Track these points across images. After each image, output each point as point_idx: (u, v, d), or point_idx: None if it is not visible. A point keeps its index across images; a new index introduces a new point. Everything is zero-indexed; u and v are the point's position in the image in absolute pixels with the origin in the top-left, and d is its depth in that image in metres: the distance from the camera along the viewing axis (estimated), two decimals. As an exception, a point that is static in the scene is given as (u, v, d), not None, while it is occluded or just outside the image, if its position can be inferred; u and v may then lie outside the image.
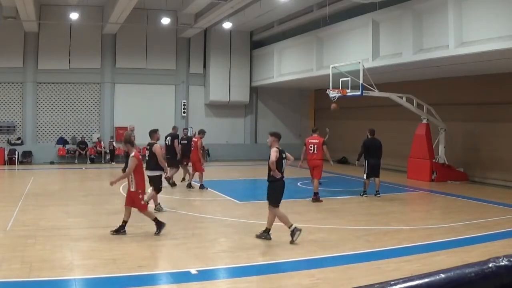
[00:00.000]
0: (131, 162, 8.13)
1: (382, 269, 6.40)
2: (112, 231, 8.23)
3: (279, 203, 7.97)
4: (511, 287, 1.54)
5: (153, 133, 10.64)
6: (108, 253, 7.03)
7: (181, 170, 14.96)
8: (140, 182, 8.22)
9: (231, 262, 6.97)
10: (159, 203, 10.49)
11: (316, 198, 12.02)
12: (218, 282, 6.11)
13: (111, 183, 8.50)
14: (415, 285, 1.48)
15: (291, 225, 7.84)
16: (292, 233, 7.74)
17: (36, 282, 5.78)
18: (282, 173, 7.91)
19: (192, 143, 14.27)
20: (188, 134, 15.78)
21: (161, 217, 8.72)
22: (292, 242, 7.71)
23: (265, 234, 8.02)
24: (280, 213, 7.96)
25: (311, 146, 12.27)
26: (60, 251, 7.15)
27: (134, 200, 8.23)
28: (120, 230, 8.19)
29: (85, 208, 10.88)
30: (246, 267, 6.61)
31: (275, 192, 7.93)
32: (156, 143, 10.35)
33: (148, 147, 10.51)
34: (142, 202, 8.31)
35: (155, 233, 8.21)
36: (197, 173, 14.04)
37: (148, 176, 10.12)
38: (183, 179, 15.17)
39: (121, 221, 8.27)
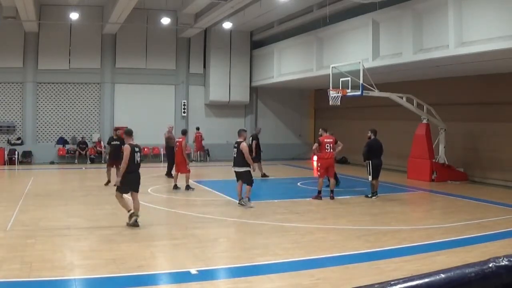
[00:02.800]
0: None
1: (382, 269, 6.39)
2: None
3: (125, 192, 8.92)
4: (511, 287, 1.54)
5: (242, 132, 11.45)
6: (108, 253, 7.03)
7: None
8: None
9: (231, 262, 6.97)
10: (248, 197, 11.08)
11: (332, 196, 12.31)
12: (218, 282, 6.10)
13: None
14: (415, 285, 1.48)
15: (131, 210, 8.74)
16: (131, 216, 8.68)
17: (36, 282, 5.78)
18: (136, 166, 8.92)
19: (177, 143, 14.10)
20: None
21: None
22: (128, 223, 8.68)
23: (134, 220, 8.67)
24: (122, 201, 8.89)
25: (327, 146, 12.38)
26: (60, 251, 7.15)
27: None
28: None
29: (85, 208, 10.87)
30: (246, 267, 6.59)
31: (125, 182, 8.81)
32: (243, 141, 11.07)
33: (236, 145, 11.11)
34: None
35: None
36: (184, 174, 13.77)
37: (236, 172, 11.08)
38: (108, 183, 14.37)
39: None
